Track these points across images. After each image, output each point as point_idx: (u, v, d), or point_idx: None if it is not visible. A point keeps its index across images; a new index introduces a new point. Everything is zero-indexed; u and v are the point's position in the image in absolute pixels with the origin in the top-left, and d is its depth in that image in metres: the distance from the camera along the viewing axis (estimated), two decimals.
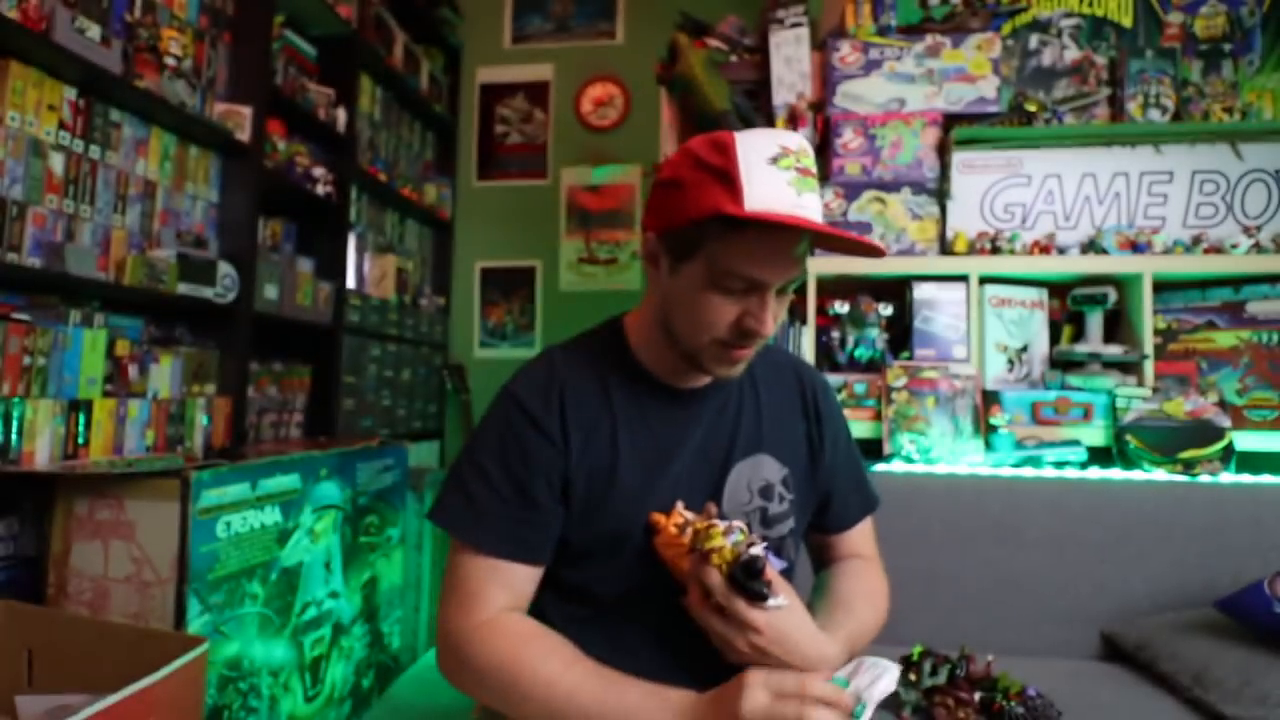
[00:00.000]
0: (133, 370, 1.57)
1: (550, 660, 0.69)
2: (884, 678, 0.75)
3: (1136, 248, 1.67)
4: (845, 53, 1.79)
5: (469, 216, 3.15)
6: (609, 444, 0.78)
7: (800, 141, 0.70)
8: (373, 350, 2.49)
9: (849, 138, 1.77)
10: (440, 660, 0.75)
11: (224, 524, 1.25)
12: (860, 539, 0.93)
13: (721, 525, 0.68)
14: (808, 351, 1.72)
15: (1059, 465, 1.52)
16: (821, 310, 1.76)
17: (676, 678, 0.69)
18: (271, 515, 1.36)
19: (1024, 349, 1.73)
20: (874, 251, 0.74)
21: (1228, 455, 1.48)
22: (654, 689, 0.67)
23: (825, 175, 1.80)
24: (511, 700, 0.70)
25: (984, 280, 1.71)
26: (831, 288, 1.78)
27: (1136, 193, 1.72)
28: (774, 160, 0.67)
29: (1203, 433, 1.51)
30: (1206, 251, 1.65)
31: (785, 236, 0.68)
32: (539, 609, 0.78)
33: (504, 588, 0.74)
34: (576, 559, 0.78)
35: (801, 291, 1.74)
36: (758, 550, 0.64)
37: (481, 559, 0.74)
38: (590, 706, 0.67)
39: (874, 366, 1.70)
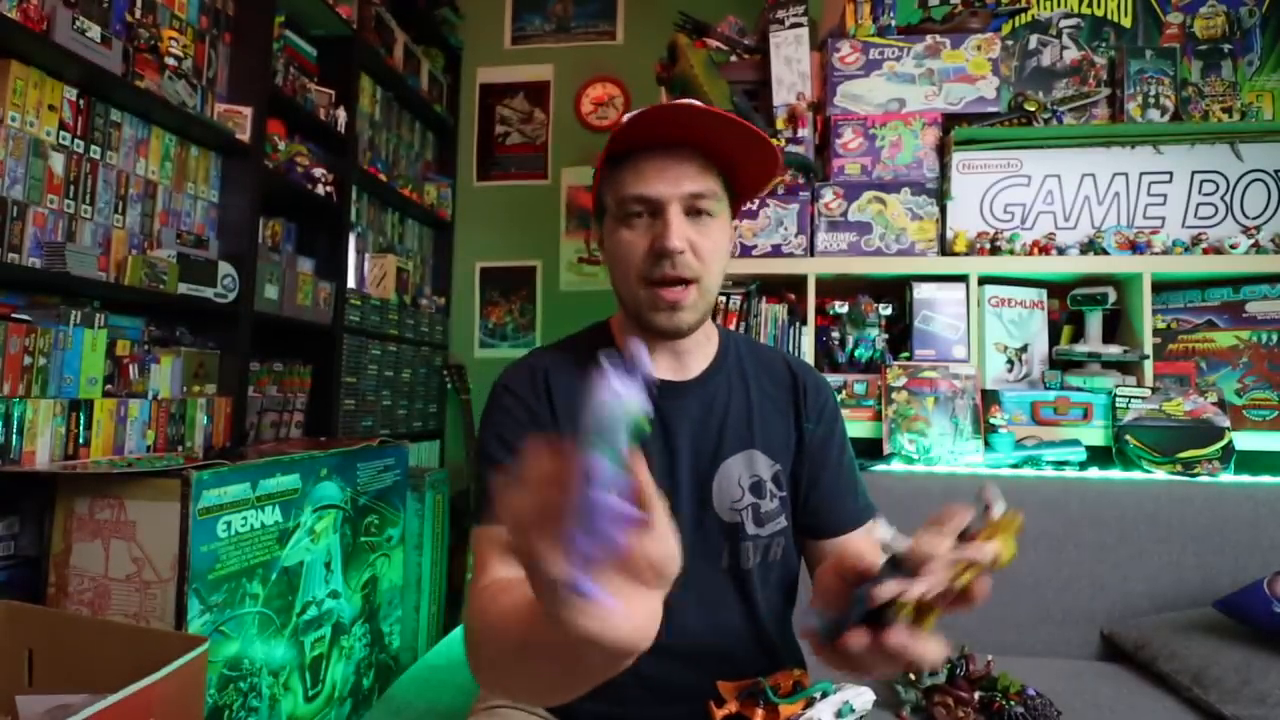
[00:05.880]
0: (133, 370, 1.57)
1: (499, 601, 0.60)
2: (864, 694, 0.80)
3: (1136, 248, 1.67)
4: (845, 53, 1.79)
5: (469, 216, 3.15)
6: None
7: (692, 104, 0.75)
8: (373, 350, 2.49)
9: (849, 138, 1.77)
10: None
11: (224, 524, 1.25)
12: (865, 545, 0.84)
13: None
14: (808, 351, 1.71)
15: (1058, 465, 1.53)
16: (821, 310, 1.76)
17: (663, 660, 0.67)
18: (272, 515, 1.37)
19: (1024, 349, 1.73)
20: (765, 145, 0.74)
21: (1227, 455, 1.48)
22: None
23: (825, 175, 1.80)
24: (485, 657, 0.59)
25: (984, 280, 1.71)
26: (831, 288, 1.78)
27: (1136, 193, 1.72)
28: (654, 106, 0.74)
29: (1202, 433, 1.51)
30: (1206, 252, 1.65)
31: (666, 153, 0.74)
32: None
33: (504, 551, 0.69)
34: None
35: (801, 291, 1.74)
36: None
37: (484, 529, 0.73)
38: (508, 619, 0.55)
39: (874, 366, 1.70)
